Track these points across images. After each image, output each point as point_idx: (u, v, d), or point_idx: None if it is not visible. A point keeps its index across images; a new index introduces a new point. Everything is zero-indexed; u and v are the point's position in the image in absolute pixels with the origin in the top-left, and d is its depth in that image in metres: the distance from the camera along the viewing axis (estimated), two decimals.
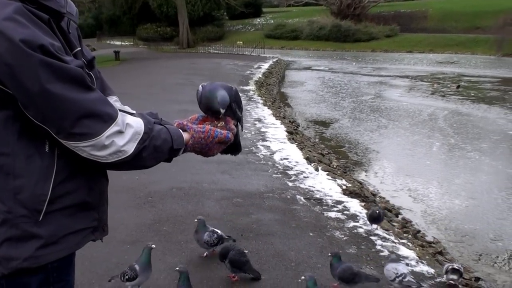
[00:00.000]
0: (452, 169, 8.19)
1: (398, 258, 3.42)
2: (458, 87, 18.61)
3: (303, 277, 2.90)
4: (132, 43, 42.39)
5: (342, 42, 44.01)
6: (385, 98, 16.44)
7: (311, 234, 4.13)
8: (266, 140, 7.95)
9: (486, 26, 37.55)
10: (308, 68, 27.99)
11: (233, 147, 1.61)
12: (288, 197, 5.11)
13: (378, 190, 6.82)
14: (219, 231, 3.56)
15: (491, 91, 18.36)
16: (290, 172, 6.08)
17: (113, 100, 1.59)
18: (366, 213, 4.52)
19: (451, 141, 10.12)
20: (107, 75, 1.74)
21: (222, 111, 1.54)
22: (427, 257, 4.01)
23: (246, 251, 3.62)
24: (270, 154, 7.02)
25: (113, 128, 1.19)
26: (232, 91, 1.61)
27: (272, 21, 53.54)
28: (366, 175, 7.79)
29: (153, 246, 3.03)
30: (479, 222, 5.83)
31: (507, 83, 20.43)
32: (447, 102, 15.47)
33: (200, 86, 1.63)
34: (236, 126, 1.63)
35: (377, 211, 4.21)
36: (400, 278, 3.09)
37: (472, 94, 17.30)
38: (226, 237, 3.59)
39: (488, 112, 13.80)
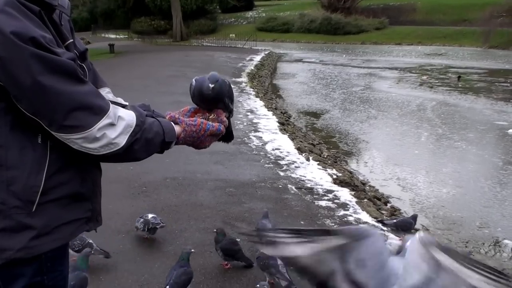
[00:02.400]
0: (440, 159, 8.32)
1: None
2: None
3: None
4: (126, 36, 42.09)
5: (332, 35, 44.06)
6: (374, 89, 16.57)
7: (302, 222, 4.20)
8: (258, 131, 8.01)
9: (473, 19, 37.77)
10: (299, 60, 28.01)
11: (226, 135, 1.63)
12: (280, 186, 5.19)
13: (367, 179, 6.92)
14: (149, 216, 3.64)
15: (478, 82, 18.58)
16: (282, 162, 6.16)
17: (106, 92, 1.59)
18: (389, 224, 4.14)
19: (439, 131, 10.27)
20: (102, 68, 1.77)
21: (211, 85, 1.51)
22: None
23: (239, 240, 3.70)
24: (262, 144, 7.08)
25: (104, 121, 1.19)
26: (226, 85, 1.61)
27: (264, 14, 53.40)
28: (356, 165, 7.90)
29: None
30: (466, 210, 5.96)
31: (493, 75, 20.68)
32: (435, 93, 15.63)
33: (193, 79, 1.62)
34: (228, 117, 1.64)
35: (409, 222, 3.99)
36: None
37: (460, 85, 17.50)
38: (158, 223, 3.63)
39: (475, 103, 13.98)
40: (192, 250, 3.03)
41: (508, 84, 17.90)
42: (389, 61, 27.62)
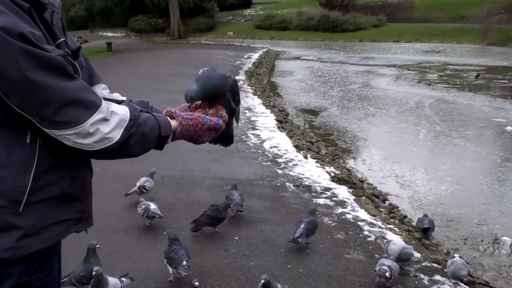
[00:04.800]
0: (438, 156, 8.33)
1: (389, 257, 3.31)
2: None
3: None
4: (124, 34, 42.18)
5: (330, 32, 44.04)
6: (372, 86, 16.57)
7: None
8: (256, 129, 7.99)
9: (471, 16, 37.78)
10: (297, 58, 28.00)
11: (225, 138, 1.62)
12: (278, 184, 5.17)
13: (366, 177, 6.92)
14: (151, 206, 3.83)
15: (476, 79, 18.60)
16: (280, 160, 6.14)
17: (101, 88, 1.58)
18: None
19: (437, 129, 10.28)
20: (99, 66, 1.75)
21: (187, 103, 1.56)
22: (413, 241, 4.09)
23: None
24: (260, 142, 7.06)
25: (97, 116, 1.18)
26: (228, 81, 1.58)
27: (261, 12, 53.39)
28: (354, 162, 7.90)
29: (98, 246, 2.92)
30: (465, 207, 5.96)
31: (492, 72, 20.69)
32: (433, 90, 15.64)
33: (201, 70, 1.60)
34: (231, 117, 1.61)
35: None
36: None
37: (458, 82, 17.51)
38: (157, 214, 3.83)
39: (473, 100, 14.00)
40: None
41: (506, 81, 17.91)
42: (387, 58, 27.63)
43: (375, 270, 3.12)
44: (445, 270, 3.47)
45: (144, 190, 4.41)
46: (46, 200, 1.26)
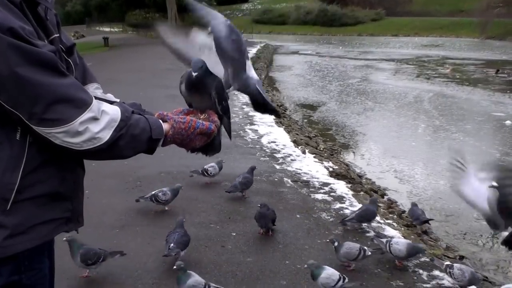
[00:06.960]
0: (437, 150, 8.31)
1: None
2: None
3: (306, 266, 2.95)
4: (121, 29, 42.00)
5: (328, 27, 44.04)
6: (371, 81, 16.55)
7: (298, 216, 4.17)
8: (254, 124, 7.96)
9: (470, 10, 37.76)
10: (296, 53, 27.97)
11: (211, 145, 1.55)
12: (276, 179, 5.14)
13: (364, 172, 6.91)
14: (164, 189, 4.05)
15: (474, 73, 18.58)
16: (278, 155, 6.11)
17: (94, 87, 1.56)
18: None
19: (436, 123, 10.26)
20: (96, 62, 1.73)
21: (194, 74, 1.49)
22: (412, 237, 4.08)
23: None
24: (257, 137, 7.04)
25: (87, 115, 1.16)
26: (216, 79, 1.56)
27: (259, 7, 53.39)
28: (352, 157, 7.88)
29: None
30: (464, 202, 5.92)
31: (491, 65, 20.67)
32: (432, 85, 15.63)
33: (181, 76, 1.58)
34: (220, 122, 1.56)
35: None
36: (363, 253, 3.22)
37: (457, 77, 17.48)
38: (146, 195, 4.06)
39: (472, 94, 13.99)
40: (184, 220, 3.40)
41: (506, 75, 17.88)
42: (385, 52, 27.60)
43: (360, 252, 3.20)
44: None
45: (206, 174, 4.57)
46: (34, 198, 1.23)
